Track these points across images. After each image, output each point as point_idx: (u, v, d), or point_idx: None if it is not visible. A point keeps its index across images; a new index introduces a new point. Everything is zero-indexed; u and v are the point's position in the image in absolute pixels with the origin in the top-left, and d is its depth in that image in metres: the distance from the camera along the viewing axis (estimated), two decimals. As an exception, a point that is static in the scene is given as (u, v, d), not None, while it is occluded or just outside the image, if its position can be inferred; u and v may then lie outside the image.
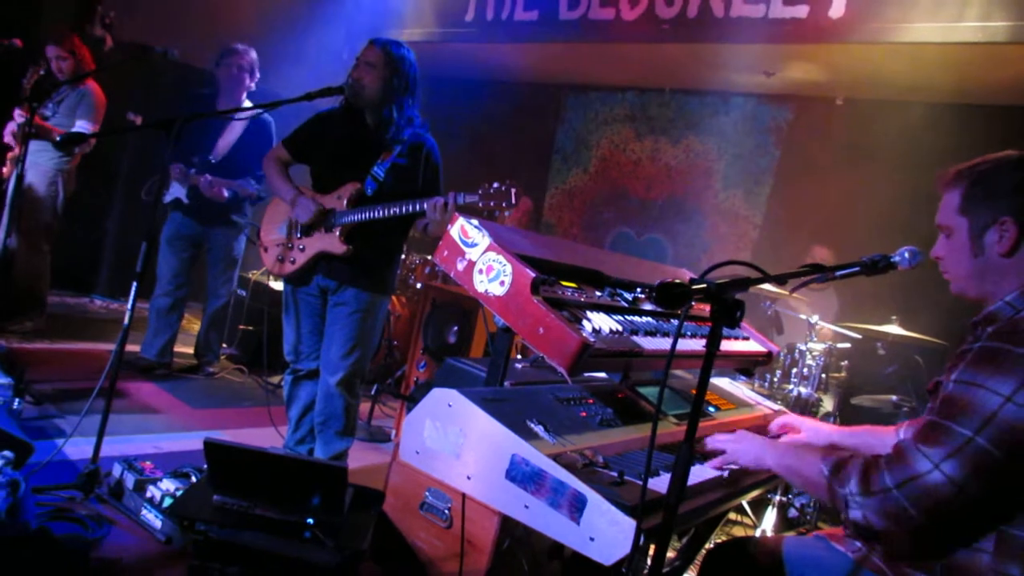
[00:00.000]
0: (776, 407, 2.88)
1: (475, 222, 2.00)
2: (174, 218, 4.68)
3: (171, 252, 4.67)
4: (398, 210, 2.99)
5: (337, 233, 3.13)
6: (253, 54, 4.61)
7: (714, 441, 1.88)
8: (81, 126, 4.68)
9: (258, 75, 4.64)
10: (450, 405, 1.69)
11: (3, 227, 4.21)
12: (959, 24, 4.18)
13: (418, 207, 2.95)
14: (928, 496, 1.40)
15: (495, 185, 2.72)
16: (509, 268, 1.88)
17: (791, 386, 4.29)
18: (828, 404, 4.53)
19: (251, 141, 4.54)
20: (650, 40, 5.44)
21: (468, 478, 1.66)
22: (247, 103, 4.55)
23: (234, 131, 4.57)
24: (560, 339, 1.74)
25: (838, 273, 1.76)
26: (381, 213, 3.03)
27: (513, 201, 2.70)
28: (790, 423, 2.27)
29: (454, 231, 2.02)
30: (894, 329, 4.17)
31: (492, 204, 2.74)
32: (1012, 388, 1.39)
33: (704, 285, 1.30)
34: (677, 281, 1.29)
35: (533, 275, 1.84)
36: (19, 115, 4.61)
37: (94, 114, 4.75)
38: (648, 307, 2.28)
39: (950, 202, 1.68)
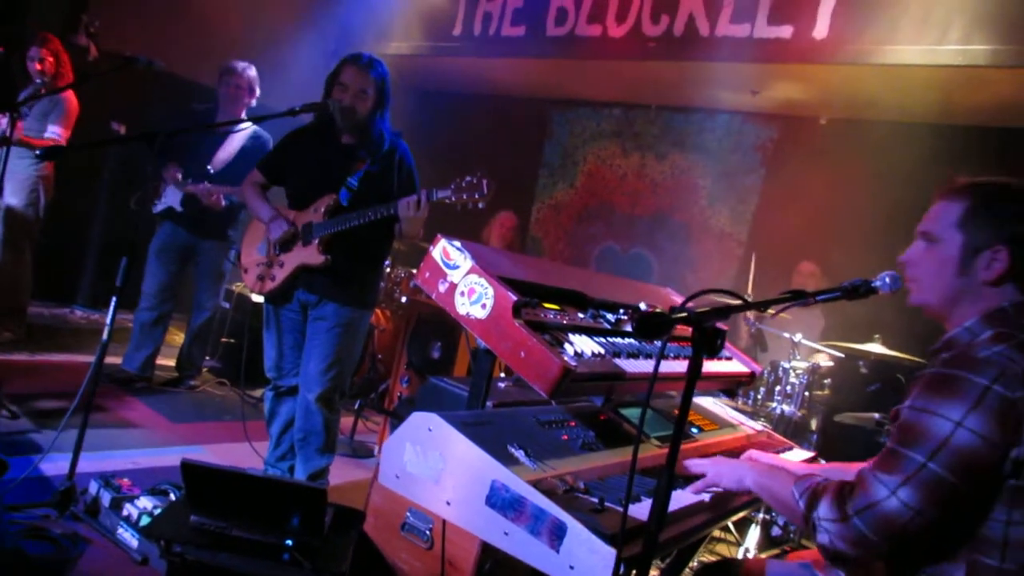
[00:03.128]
0: (759, 426, 2.89)
1: (457, 244, 1.99)
2: (164, 228, 4.64)
3: (159, 264, 4.62)
4: (373, 215, 2.96)
5: (315, 244, 3.11)
6: (252, 72, 4.61)
7: (694, 464, 1.86)
8: (52, 131, 4.64)
9: (258, 92, 4.64)
10: (430, 429, 1.67)
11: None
12: (941, 47, 4.24)
13: (392, 210, 2.93)
14: (887, 522, 1.41)
15: (467, 178, 2.71)
16: (491, 291, 1.87)
17: (775, 404, 4.30)
18: (811, 422, 4.54)
19: (250, 155, 4.51)
20: (636, 57, 5.49)
21: (448, 503, 1.64)
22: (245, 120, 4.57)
23: (232, 145, 4.56)
24: (541, 363, 1.73)
25: (819, 298, 1.77)
26: (357, 221, 3.00)
27: (485, 192, 2.68)
28: (754, 457, 2.23)
29: (436, 253, 2.01)
30: (876, 348, 4.19)
31: (465, 197, 2.72)
32: (962, 414, 1.39)
33: (684, 315, 1.30)
34: (658, 311, 1.29)
35: (515, 298, 1.83)
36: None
37: (66, 120, 4.71)
38: (631, 328, 2.28)
39: (947, 212, 1.61)
